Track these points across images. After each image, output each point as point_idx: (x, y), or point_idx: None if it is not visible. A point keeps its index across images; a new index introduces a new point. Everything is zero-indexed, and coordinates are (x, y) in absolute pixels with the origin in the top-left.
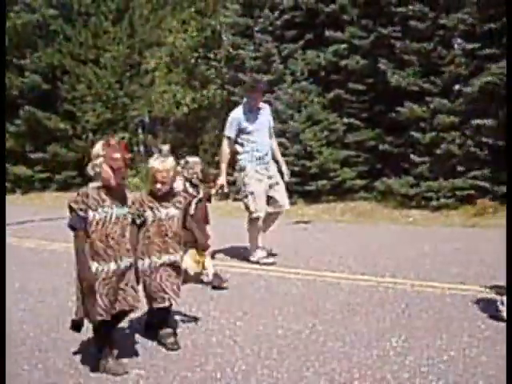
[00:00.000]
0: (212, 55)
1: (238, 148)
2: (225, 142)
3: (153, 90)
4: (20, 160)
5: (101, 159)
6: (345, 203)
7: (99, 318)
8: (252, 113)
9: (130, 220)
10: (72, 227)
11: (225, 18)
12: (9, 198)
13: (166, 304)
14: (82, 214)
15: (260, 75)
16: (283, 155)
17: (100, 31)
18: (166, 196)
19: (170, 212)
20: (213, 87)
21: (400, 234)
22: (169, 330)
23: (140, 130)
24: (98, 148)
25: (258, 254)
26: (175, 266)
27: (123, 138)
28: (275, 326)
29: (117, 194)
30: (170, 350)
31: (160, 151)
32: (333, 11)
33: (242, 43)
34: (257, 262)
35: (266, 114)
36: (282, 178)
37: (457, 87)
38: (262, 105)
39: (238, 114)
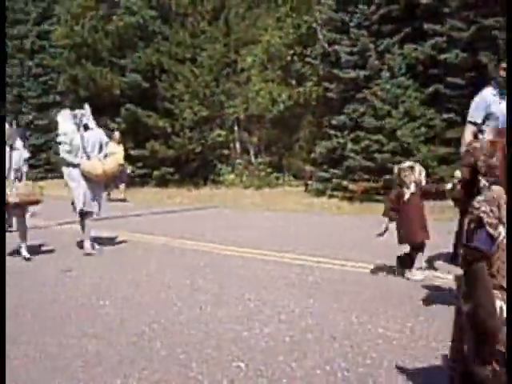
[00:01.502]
0: (308, 52)
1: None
2: (468, 129)
3: (249, 87)
4: None
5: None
6: (444, 201)
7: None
8: (503, 94)
9: None
10: (477, 250)
11: (320, 14)
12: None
13: None
14: (492, 232)
15: (356, 71)
16: (378, 152)
17: (197, 31)
18: None
19: None
20: (309, 84)
21: None
22: None
23: (236, 128)
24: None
25: None
26: None
27: (219, 136)
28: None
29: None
30: None
31: None
32: (431, 3)
33: (338, 39)
34: None
35: None
36: None
37: None
38: None
39: (486, 94)
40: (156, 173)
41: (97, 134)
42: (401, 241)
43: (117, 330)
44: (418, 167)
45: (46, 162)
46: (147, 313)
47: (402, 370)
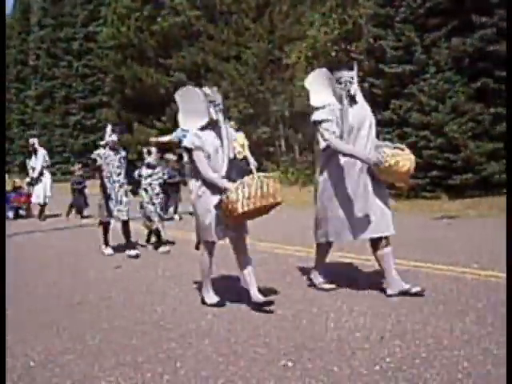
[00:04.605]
0: (353, 47)
1: None
2: None
3: (293, 84)
4: None
5: None
6: (492, 198)
7: None
8: None
9: None
10: None
11: (365, 9)
12: None
13: None
14: None
15: (402, 66)
16: (426, 148)
17: (241, 29)
18: None
19: None
20: None
21: None
22: None
23: (281, 125)
24: None
25: None
26: None
27: (264, 133)
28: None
29: None
30: None
31: None
32: None
33: (383, 34)
34: None
35: None
36: None
37: None
38: None
39: None
40: None
41: (365, 108)
42: None
43: (165, 327)
44: None
45: (93, 161)
46: (199, 310)
47: (452, 370)
